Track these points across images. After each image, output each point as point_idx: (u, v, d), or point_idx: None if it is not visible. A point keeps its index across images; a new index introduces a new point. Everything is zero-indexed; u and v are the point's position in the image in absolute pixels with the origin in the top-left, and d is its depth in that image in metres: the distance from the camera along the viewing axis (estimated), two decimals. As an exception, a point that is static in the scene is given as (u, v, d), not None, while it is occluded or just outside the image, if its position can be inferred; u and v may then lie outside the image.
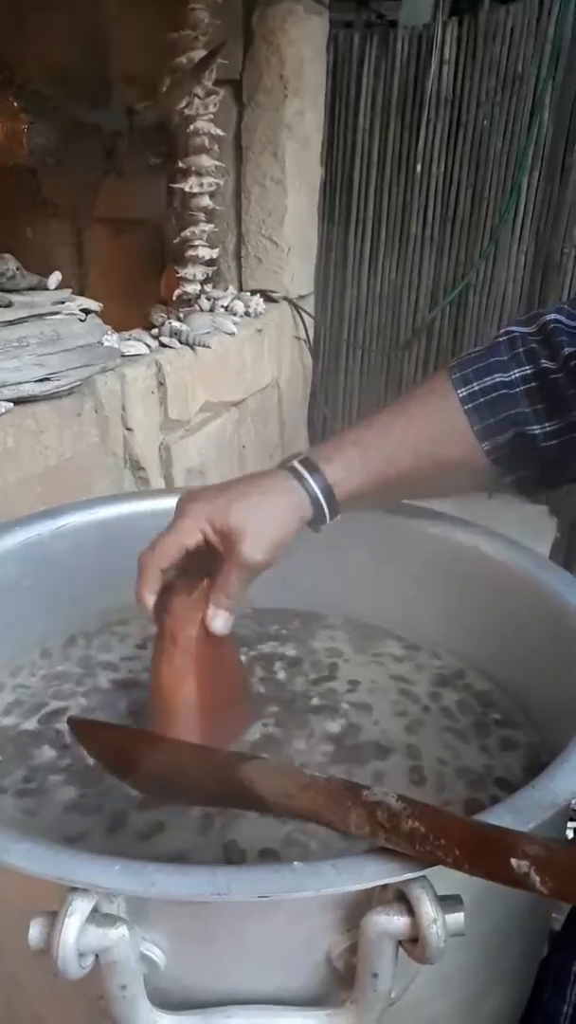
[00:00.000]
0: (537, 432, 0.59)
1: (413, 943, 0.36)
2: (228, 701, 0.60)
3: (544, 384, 0.59)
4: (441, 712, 0.64)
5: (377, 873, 0.36)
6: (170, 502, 0.60)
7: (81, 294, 1.41)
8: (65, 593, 0.71)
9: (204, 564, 0.58)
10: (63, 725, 0.62)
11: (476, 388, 0.60)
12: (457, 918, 0.36)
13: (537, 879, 0.34)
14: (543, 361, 0.59)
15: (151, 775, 0.47)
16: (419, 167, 2.06)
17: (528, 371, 0.60)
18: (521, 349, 0.61)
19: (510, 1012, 0.49)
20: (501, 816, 0.39)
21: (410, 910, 0.36)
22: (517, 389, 0.60)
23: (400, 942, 0.36)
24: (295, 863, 0.36)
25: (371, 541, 0.72)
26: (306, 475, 0.58)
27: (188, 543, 0.57)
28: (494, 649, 0.66)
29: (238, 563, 0.56)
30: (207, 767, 0.46)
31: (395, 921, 0.36)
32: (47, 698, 0.66)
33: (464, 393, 0.60)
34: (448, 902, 0.36)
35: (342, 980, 0.39)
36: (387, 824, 0.37)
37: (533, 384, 0.60)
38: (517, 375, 0.60)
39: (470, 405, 0.60)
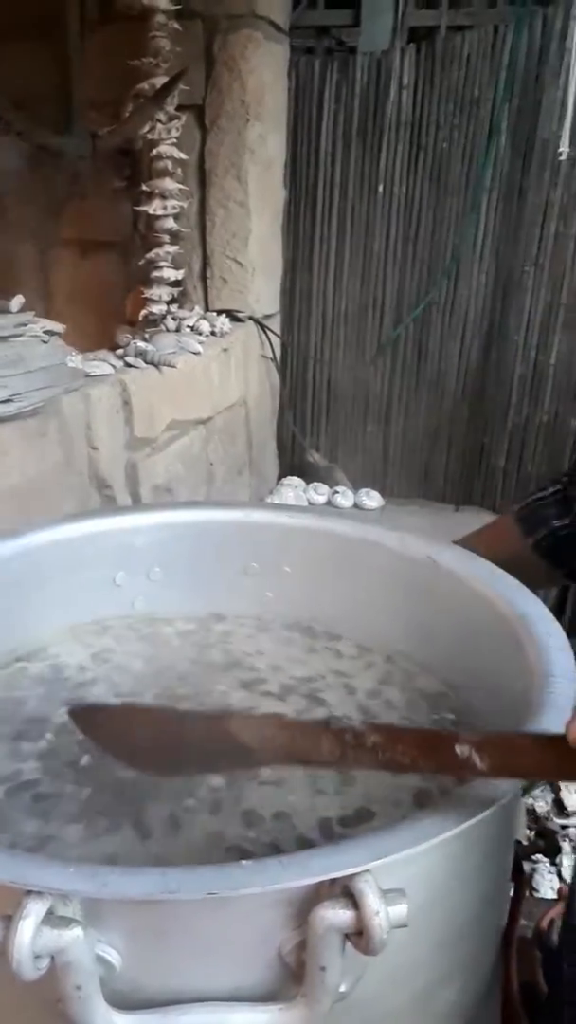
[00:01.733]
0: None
1: (359, 936, 0.37)
2: None
3: None
4: (386, 704, 0.66)
5: (322, 868, 0.37)
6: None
7: (47, 316, 1.43)
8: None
9: None
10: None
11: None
12: (400, 910, 0.37)
13: (477, 758, 0.40)
14: None
15: (154, 751, 0.50)
16: (381, 188, 2.11)
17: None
18: None
19: (468, 1002, 0.51)
20: (446, 812, 0.40)
21: (355, 904, 0.37)
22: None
23: (347, 935, 0.38)
24: (243, 861, 0.37)
25: (337, 556, 0.76)
26: None
27: None
28: (447, 654, 0.68)
29: None
30: (199, 727, 0.49)
31: (341, 915, 0.37)
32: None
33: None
34: (392, 895, 0.37)
35: (294, 975, 0.40)
36: (353, 743, 0.43)
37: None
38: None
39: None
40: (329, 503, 2.14)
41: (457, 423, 2.20)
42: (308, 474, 2.20)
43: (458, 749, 0.41)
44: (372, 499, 2.14)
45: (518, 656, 0.56)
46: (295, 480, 2.18)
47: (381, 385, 2.25)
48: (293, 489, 2.12)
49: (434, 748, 0.42)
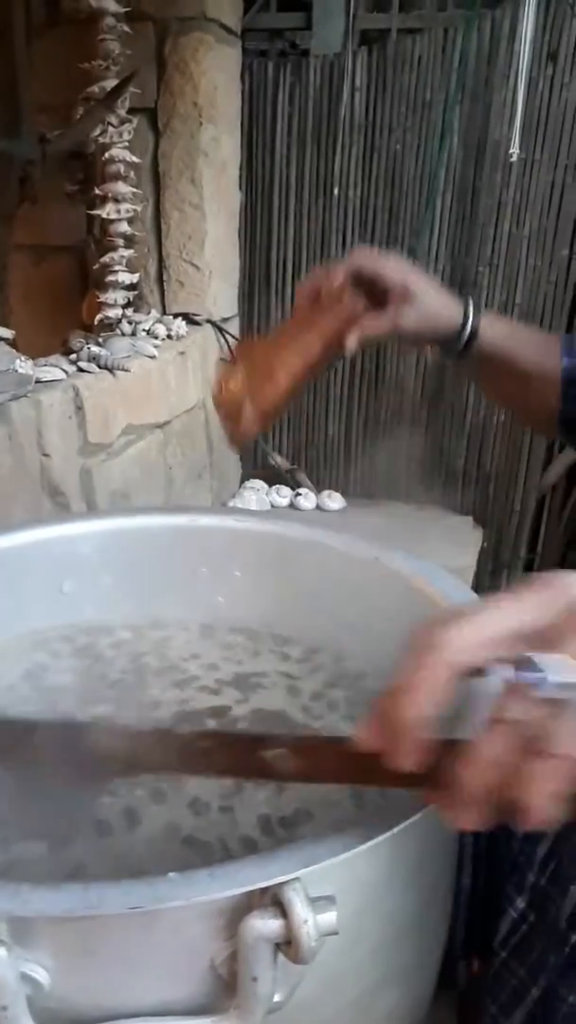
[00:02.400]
0: None
1: (289, 945, 0.37)
2: None
3: None
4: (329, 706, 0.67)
5: (250, 878, 0.37)
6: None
7: (3, 321, 1.42)
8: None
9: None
10: None
11: None
12: (329, 918, 0.37)
13: (281, 763, 0.41)
14: None
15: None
16: (336, 190, 2.11)
17: None
18: None
19: (408, 1007, 0.51)
20: (377, 816, 0.40)
21: (284, 913, 0.37)
22: None
23: (278, 945, 0.38)
24: (171, 873, 0.37)
25: (285, 559, 0.76)
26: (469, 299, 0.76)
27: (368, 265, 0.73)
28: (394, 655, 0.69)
29: (402, 302, 0.72)
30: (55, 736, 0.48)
31: (270, 924, 0.37)
32: None
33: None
34: (321, 903, 0.37)
35: (227, 987, 0.40)
36: (180, 748, 0.44)
37: None
38: None
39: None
40: (292, 505, 2.14)
41: (417, 424, 2.21)
42: (271, 477, 2.20)
43: (266, 754, 0.41)
44: (334, 501, 2.14)
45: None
46: (257, 483, 2.17)
47: (341, 387, 2.25)
48: (255, 492, 2.11)
49: (244, 752, 0.42)
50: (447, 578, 0.66)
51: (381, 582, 0.70)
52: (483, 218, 2.03)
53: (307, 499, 2.13)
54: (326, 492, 2.16)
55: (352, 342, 0.73)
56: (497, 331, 0.76)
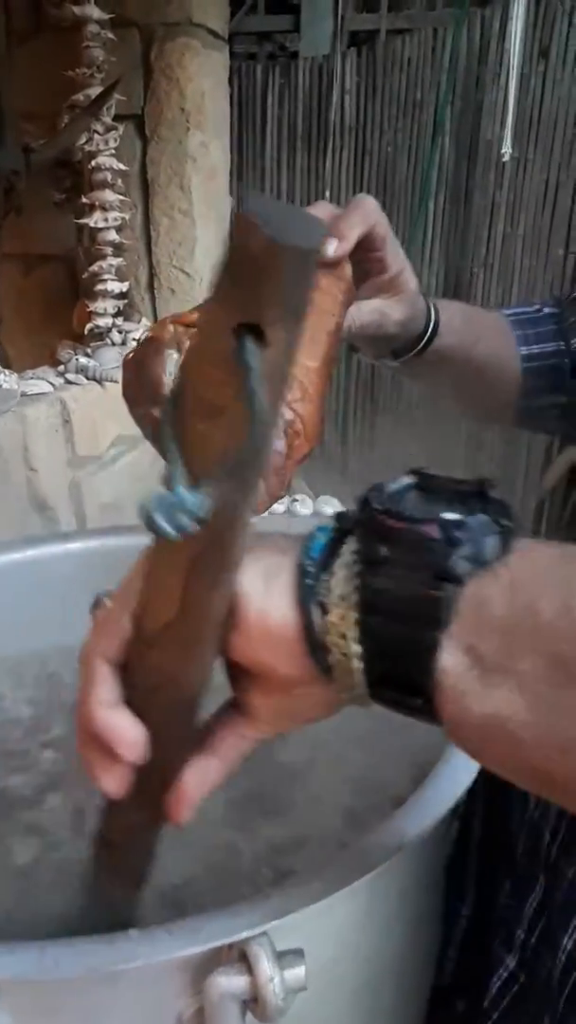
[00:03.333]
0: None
1: (255, 1002, 0.35)
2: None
3: None
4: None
5: (213, 934, 0.35)
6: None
7: (-10, 333, 1.40)
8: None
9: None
10: None
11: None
12: (298, 973, 0.35)
13: None
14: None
15: None
16: (328, 193, 2.10)
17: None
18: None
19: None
20: (346, 863, 0.39)
21: (251, 969, 0.35)
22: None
23: (245, 1002, 0.36)
24: (131, 931, 0.35)
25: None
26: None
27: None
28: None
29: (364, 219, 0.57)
30: None
31: (235, 981, 0.35)
32: None
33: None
34: (288, 957, 0.36)
35: (195, 1044, 0.38)
36: None
37: None
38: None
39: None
40: (288, 511, 2.12)
41: (414, 428, 2.19)
42: (267, 483, 2.18)
43: None
44: (331, 507, 2.12)
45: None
46: (253, 489, 2.15)
47: (338, 393, 2.24)
48: (251, 499, 2.09)
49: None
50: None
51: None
52: (477, 218, 2.01)
53: (303, 505, 2.12)
54: (323, 498, 2.14)
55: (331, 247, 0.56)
56: (455, 325, 0.67)
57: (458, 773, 0.43)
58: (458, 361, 0.68)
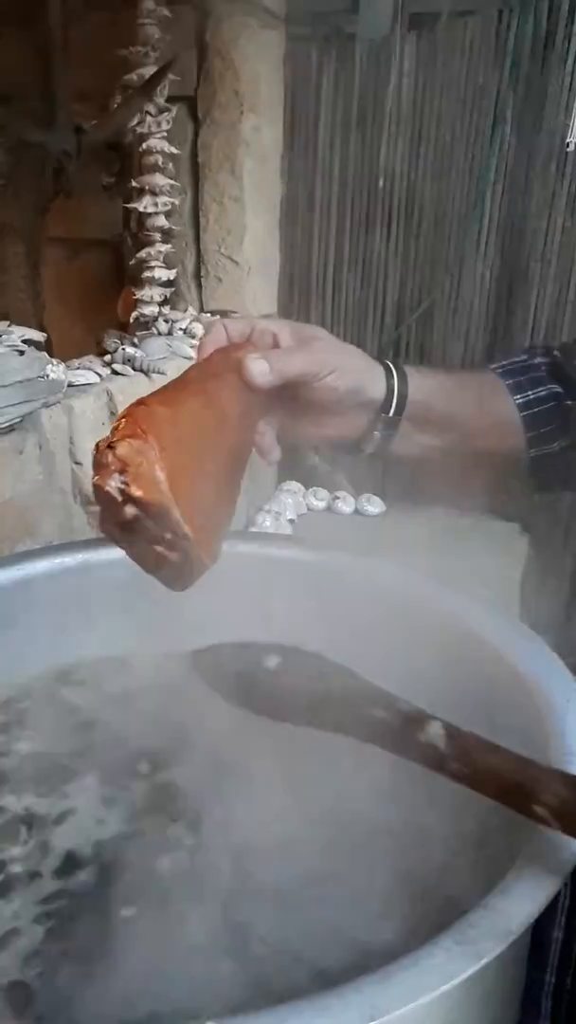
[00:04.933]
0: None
1: None
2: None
3: None
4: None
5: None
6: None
7: (36, 319, 1.36)
8: None
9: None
10: None
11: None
12: None
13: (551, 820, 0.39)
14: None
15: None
16: (381, 182, 2.03)
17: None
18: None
19: None
20: (449, 947, 0.34)
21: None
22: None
23: None
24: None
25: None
26: (389, 363, 0.65)
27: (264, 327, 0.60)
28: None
29: (309, 358, 0.59)
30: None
31: None
32: None
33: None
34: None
35: None
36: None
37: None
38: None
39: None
40: (329, 509, 2.07)
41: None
42: (308, 478, 2.13)
43: (537, 809, 0.39)
44: (374, 505, 2.07)
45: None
46: (294, 485, 2.11)
47: (383, 385, 2.18)
48: (292, 495, 2.05)
49: (515, 791, 0.40)
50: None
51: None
52: (536, 211, 1.93)
53: (345, 503, 2.07)
54: (365, 496, 2.09)
55: (256, 369, 0.58)
56: (429, 383, 0.66)
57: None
58: (444, 416, 0.68)
